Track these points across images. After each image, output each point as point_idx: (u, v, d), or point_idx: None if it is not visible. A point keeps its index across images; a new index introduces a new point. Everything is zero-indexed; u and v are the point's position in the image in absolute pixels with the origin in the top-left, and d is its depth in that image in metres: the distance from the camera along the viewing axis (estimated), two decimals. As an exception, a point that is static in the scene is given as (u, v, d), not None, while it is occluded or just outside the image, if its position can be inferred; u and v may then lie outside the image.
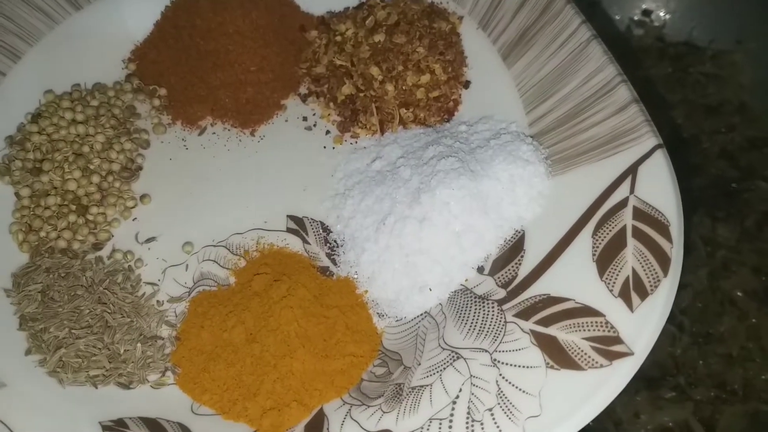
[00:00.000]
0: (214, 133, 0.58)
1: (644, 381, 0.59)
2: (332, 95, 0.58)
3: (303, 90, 0.60)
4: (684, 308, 0.62)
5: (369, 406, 0.44)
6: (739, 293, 0.63)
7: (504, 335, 0.44)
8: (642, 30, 0.80)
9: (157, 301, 0.50)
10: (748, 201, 0.68)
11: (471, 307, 0.46)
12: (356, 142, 0.57)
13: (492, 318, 0.45)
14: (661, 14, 0.80)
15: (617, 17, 0.80)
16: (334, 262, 0.51)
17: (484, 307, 0.46)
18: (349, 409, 0.44)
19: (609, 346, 0.40)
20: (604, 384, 0.39)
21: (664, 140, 0.67)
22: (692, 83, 0.76)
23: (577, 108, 0.51)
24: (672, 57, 0.78)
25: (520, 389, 0.41)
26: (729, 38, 0.77)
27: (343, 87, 0.58)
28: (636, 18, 0.81)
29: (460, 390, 0.42)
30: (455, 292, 0.48)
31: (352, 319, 0.49)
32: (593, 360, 0.40)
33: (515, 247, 0.48)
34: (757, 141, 0.73)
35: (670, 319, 0.56)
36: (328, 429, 0.43)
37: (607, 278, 0.43)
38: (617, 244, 0.44)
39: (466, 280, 0.48)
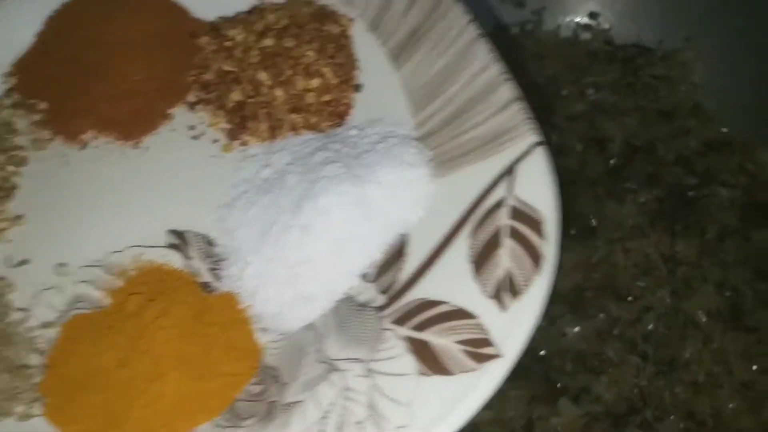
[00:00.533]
0: (96, 147, 0.56)
1: (610, 418, 0.58)
2: (221, 102, 0.57)
3: (191, 98, 0.58)
4: (646, 334, 0.61)
5: (239, 428, 0.42)
6: (702, 315, 0.61)
7: (380, 343, 0.43)
8: (589, 34, 0.79)
9: (28, 328, 0.47)
10: (707, 210, 0.67)
11: (351, 316, 0.45)
12: (246, 150, 0.55)
13: (370, 326, 0.44)
14: (608, 16, 0.79)
15: (564, 22, 0.80)
16: (216, 277, 0.50)
17: (363, 315, 0.45)
18: (219, 433, 0.42)
19: (479, 349, 0.40)
20: (472, 389, 0.39)
21: (618, 151, 0.69)
22: (643, 87, 0.75)
23: (461, 108, 0.50)
24: (621, 60, 0.77)
25: (391, 399, 0.40)
26: (678, 36, 0.76)
27: (231, 93, 0.56)
28: (582, 22, 0.79)
29: (333, 404, 0.41)
30: (339, 301, 0.47)
31: (233, 335, 0.47)
32: (463, 364, 0.39)
33: (397, 252, 0.47)
34: (713, 143, 0.72)
35: (632, 348, 0.60)
36: (194, 454, 0.41)
37: (481, 279, 0.42)
38: (493, 244, 0.43)
39: (350, 288, 0.47)
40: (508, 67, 0.66)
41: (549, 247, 0.42)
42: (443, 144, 0.49)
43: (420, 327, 0.42)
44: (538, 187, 0.44)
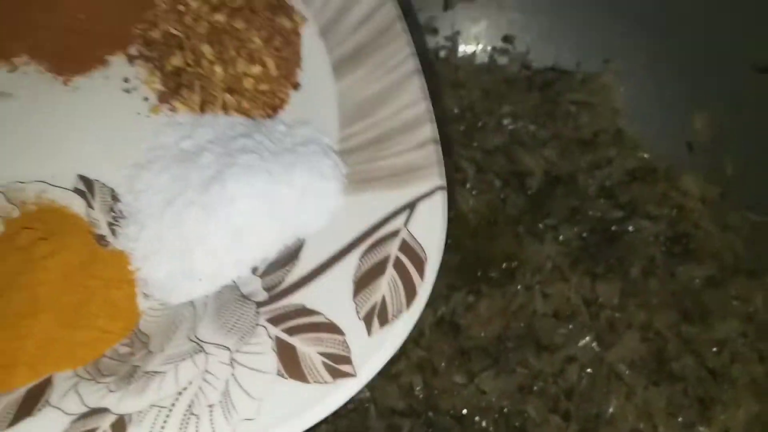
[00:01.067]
0: (26, 73, 0.56)
1: None
2: (161, 63, 0.57)
3: (132, 51, 0.59)
4: (569, 389, 0.61)
5: (98, 383, 0.44)
6: (624, 367, 0.61)
7: (250, 337, 0.45)
8: (506, 58, 0.79)
9: None
10: (631, 245, 0.67)
11: (232, 303, 0.48)
12: (173, 117, 0.56)
13: (246, 318, 0.46)
14: (524, 39, 0.79)
15: (479, 47, 0.80)
16: (113, 232, 0.51)
17: (242, 306, 0.47)
18: (78, 382, 0.44)
19: (337, 365, 0.43)
20: (321, 400, 0.41)
21: (537, 185, 0.69)
22: (563, 115, 0.75)
23: (384, 136, 0.52)
24: (540, 86, 0.77)
25: (245, 391, 0.42)
26: (596, 58, 0.76)
27: (172, 57, 0.57)
28: (498, 46, 0.80)
29: (190, 382, 0.43)
30: (224, 287, 0.49)
31: (114, 294, 0.49)
32: (319, 375, 0.42)
33: (291, 255, 0.49)
34: (636, 172, 0.72)
35: (555, 406, 0.60)
36: (49, 397, 0.43)
37: (358, 300, 0.45)
38: (378, 270, 0.46)
39: (238, 278, 0.49)
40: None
41: (424, 287, 0.45)
42: (360, 164, 0.52)
43: (291, 331, 0.44)
44: (430, 228, 0.47)
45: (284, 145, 0.54)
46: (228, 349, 0.44)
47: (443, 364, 0.64)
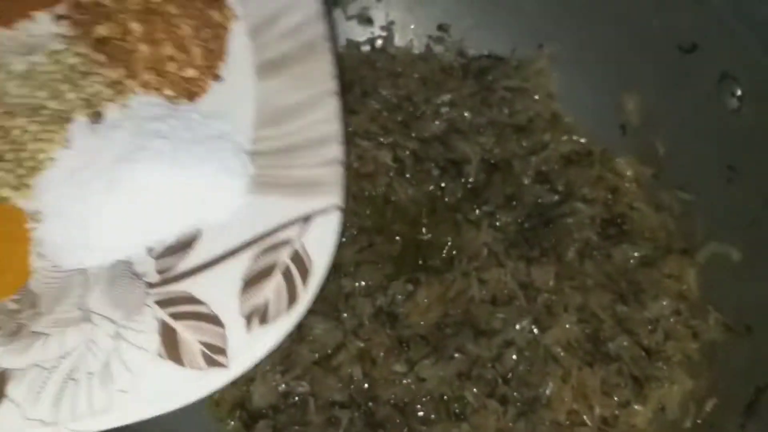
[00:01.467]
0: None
1: None
2: (87, 29, 0.58)
3: (60, 10, 0.59)
4: (506, 374, 0.62)
5: None
6: (560, 349, 0.62)
7: (137, 315, 0.48)
8: (442, 47, 0.80)
9: None
10: (567, 229, 0.68)
11: (124, 279, 0.50)
12: (90, 85, 0.57)
13: (135, 296, 0.49)
14: (459, 27, 0.79)
15: (415, 37, 0.81)
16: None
17: (134, 284, 0.50)
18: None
19: (214, 354, 0.46)
20: (193, 384, 0.45)
21: (475, 173, 0.69)
22: (498, 101, 0.76)
23: (295, 146, 0.55)
24: (475, 73, 0.78)
25: (125, 365, 0.46)
26: (530, 44, 0.77)
27: (99, 27, 0.57)
28: (434, 35, 0.80)
29: (74, 348, 0.46)
30: (118, 261, 0.51)
31: (9, 248, 0.50)
32: (195, 361, 0.46)
33: (186, 243, 0.51)
34: (572, 155, 0.73)
35: (492, 391, 0.61)
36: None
37: (243, 298, 0.48)
38: (267, 273, 0.49)
39: (133, 255, 0.51)
40: (362, 90, 0.69)
41: (306, 296, 0.48)
42: (267, 168, 0.54)
43: (176, 316, 0.47)
44: (322, 243, 0.50)
45: (197, 136, 0.54)
46: (114, 322, 0.47)
47: (382, 354, 0.64)
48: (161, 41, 0.57)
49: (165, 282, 0.49)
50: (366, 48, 0.80)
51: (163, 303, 0.48)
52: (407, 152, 0.73)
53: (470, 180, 0.72)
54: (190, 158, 0.51)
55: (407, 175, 0.73)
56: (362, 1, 0.80)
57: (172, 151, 0.51)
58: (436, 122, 0.75)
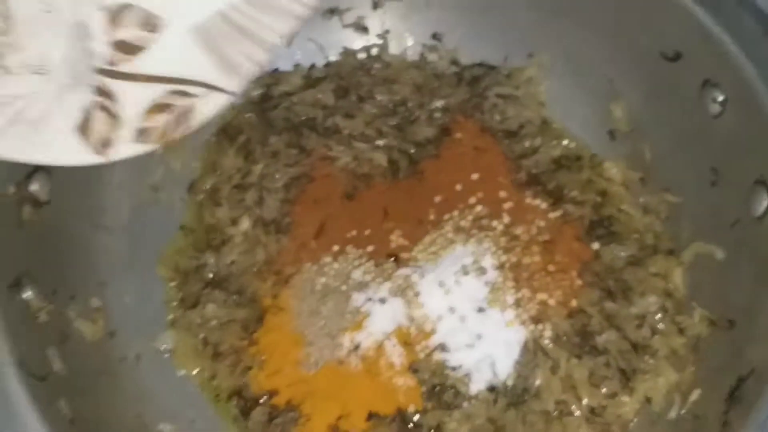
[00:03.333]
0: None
1: None
2: None
3: None
4: None
5: None
6: (549, 341, 0.65)
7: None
8: (436, 55, 0.83)
9: None
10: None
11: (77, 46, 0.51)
12: None
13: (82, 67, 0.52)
14: (452, 36, 0.82)
15: (409, 45, 0.84)
16: None
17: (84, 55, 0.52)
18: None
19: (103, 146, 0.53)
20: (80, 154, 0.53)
21: None
22: (490, 108, 0.79)
23: (248, 32, 0.54)
24: (468, 81, 0.81)
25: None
26: (521, 52, 0.80)
27: None
28: (428, 43, 0.83)
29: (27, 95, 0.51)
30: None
31: None
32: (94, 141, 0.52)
33: (140, 44, 0.52)
34: (562, 159, 0.76)
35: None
36: None
37: (145, 116, 0.54)
38: (164, 109, 0.54)
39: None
40: (358, 96, 0.77)
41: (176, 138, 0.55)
42: (220, 38, 0.54)
43: (96, 106, 0.52)
44: (206, 111, 0.55)
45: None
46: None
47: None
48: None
49: (105, 72, 0.52)
50: (362, 55, 0.84)
51: (95, 89, 0.52)
52: (402, 154, 0.77)
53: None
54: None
55: (401, 176, 0.76)
56: (358, 11, 0.83)
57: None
58: (431, 127, 0.79)
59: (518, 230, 0.72)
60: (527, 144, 0.78)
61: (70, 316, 0.63)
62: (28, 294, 0.58)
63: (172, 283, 0.73)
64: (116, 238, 0.71)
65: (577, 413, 0.63)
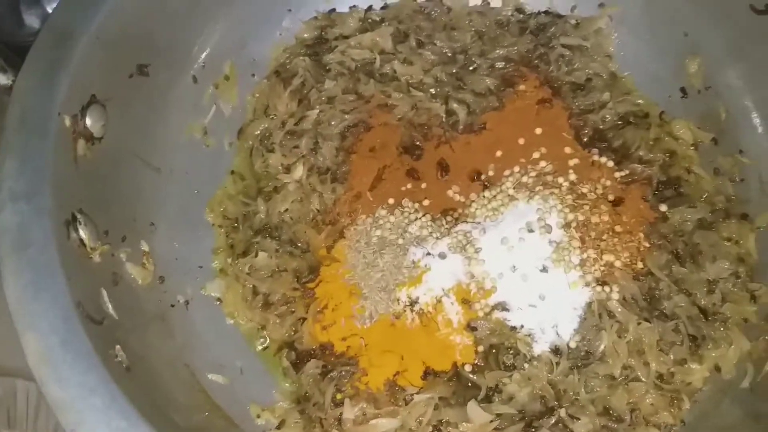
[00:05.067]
0: None
1: (523, 421, 0.59)
2: None
3: None
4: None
5: None
6: (617, 304, 0.62)
7: None
8: (500, 1, 0.79)
9: None
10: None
11: None
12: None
13: None
14: None
15: None
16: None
17: None
18: None
19: None
20: None
21: None
22: (556, 59, 0.76)
23: None
24: (533, 30, 0.78)
25: None
26: (591, 2, 0.77)
27: None
28: None
29: None
30: None
31: None
32: None
33: None
34: (629, 116, 0.73)
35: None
36: None
37: None
38: None
39: None
40: (417, 41, 0.74)
41: None
42: None
43: None
44: None
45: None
46: None
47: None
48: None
49: None
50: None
51: None
52: (460, 104, 0.74)
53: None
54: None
55: (460, 129, 0.74)
56: (422, -50, 0.79)
57: None
58: (491, 76, 0.76)
59: (584, 188, 0.69)
60: (594, 98, 0.74)
61: (122, 258, 0.62)
62: (82, 232, 0.57)
63: (221, 230, 0.71)
64: (166, 180, 0.70)
65: (644, 379, 0.60)
